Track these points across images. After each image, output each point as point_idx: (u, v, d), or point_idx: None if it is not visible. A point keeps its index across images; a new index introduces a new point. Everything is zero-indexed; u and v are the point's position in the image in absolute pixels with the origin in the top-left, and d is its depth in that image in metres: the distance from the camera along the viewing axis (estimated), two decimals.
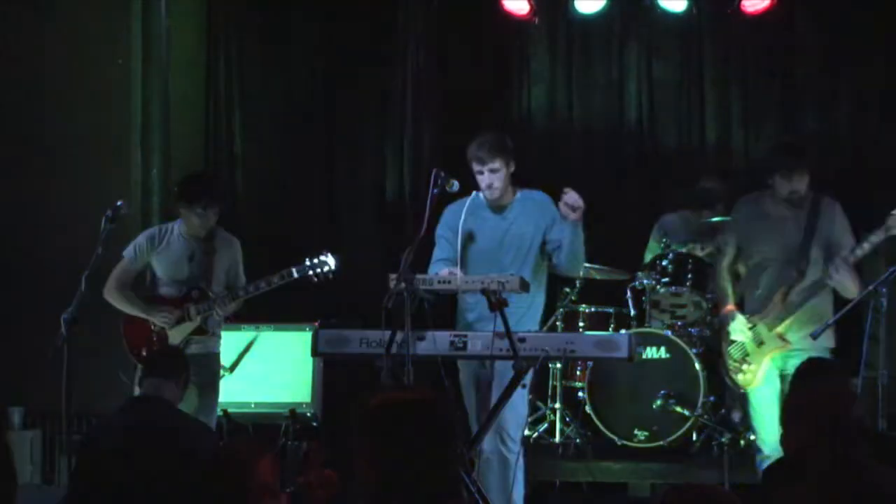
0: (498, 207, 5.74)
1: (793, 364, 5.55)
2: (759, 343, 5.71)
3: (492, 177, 5.63)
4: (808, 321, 5.63)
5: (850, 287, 5.57)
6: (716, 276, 6.12)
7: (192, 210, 5.99)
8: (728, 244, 6.00)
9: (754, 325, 5.74)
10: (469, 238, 5.73)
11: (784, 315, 5.64)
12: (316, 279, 6.12)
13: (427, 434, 2.89)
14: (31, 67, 7.38)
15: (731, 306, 5.88)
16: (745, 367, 5.74)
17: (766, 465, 5.61)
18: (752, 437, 6.12)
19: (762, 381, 5.72)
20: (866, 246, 5.56)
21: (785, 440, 3.68)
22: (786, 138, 8.00)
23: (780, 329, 5.66)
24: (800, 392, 3.73)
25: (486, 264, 5.64)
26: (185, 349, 5.97)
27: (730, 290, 5.94)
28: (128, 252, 6.13)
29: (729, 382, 5.89)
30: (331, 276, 6.13)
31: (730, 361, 5.82)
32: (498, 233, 5.71)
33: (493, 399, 5.50)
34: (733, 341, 5.80)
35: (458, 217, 5.74)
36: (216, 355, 6.18)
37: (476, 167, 5.64)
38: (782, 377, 5.70)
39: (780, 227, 5.76)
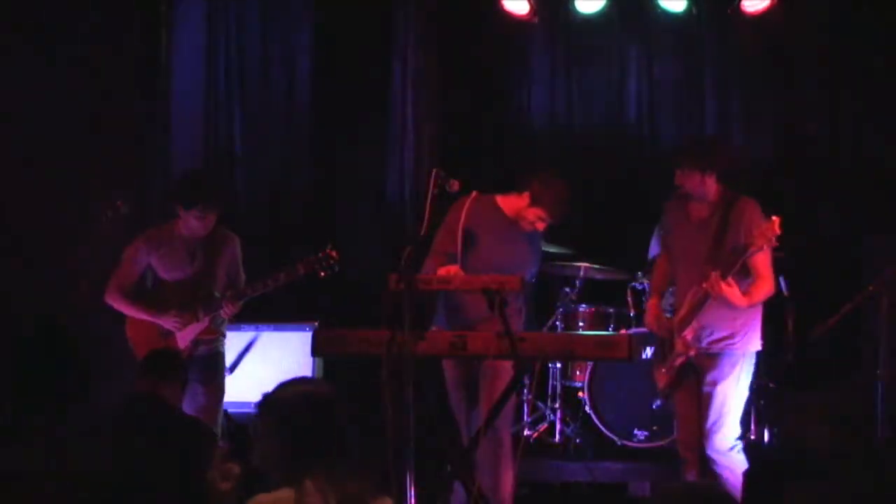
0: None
1: (703, 365, 5.48)
2: (671, 347, 5.55)
3: (541, 224, 5.71)
4: (720, 326, 5.46)
5: (734, 300, 5.33)
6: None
7: (190, 213, 5.95)
8: (657, 244, 5.91)
9: (671, 328, 5.58)
10: (476, 237, 5.74)
11: (689, 320, 5.45)
12: (322, 273, 6.10)
13: (324, 423, 3.31)
14: (32, 67, 7.37)
15: (649, 302, 5.79)
16: (663, 370, 5.62)
17: (685, 475, 5.59)
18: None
19: (674, 385, 5.59)
20: (737, 260, 5.30)
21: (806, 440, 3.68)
22: (694, 135, 7.94)
23: (685, 333, 5.48)
24: (827, 394, 3.72)
25: (492, 264, 5.65)
26: (195, 351, 5.96)
27: (654, 288, 5.86)
28: (128, 255, 6.06)
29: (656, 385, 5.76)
30: (336, 269, 6.10)
31: (655, 364, 5.72)
32: (509, 236, 5.75)
33: (482, 387, 5.54)
34: (659, 343, 5.69)
35: (462, 212, 5.76)
36: (222, 355, 6.17)
37: (540, 214, 5.68)
38: (698, 381, 5.53)
39: (695, 227, 5.58)
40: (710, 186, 5.50)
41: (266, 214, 8.36)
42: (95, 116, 7.36)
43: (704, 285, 5.35)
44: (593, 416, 7.19)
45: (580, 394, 7.27)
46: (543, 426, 7.42)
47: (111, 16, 7.46)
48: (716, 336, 5.49)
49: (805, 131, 7.15)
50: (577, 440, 7.25)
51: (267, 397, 3.46)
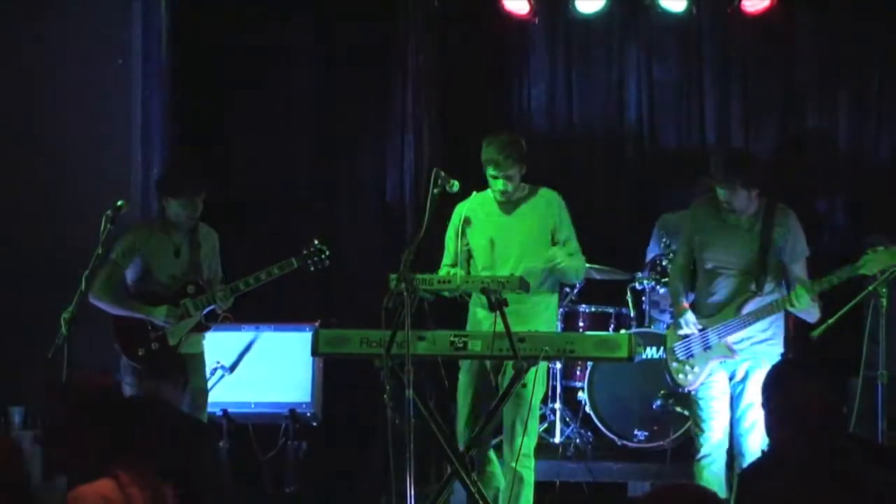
0: (507, 203, 5.79)
1: (742, 369, 5.66)
2: (706, 347, 5.69)
3: (506, 183, 5.71)
4: (755, 331, 5.65)
5: (812, 314, 5.56)
6: (670, 277, 6.07)
7: (178, 201, 5.92)
8: (681, 248, 5.97)
9: (704, 329, 5.71)
10: (475, 234, 5.76)
11: (739, 327, 5.63)
12: (313, 268, 6.10)
13: (127, 415, 3.50)
14: (32, 67, 7.37)
15: (685, 304, 5.84)
16: (688, 368, 5.73)
17: (704, 462, 5.71)
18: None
19: (704, 383, 5.71)
20: (834, 279, 5.50)
21: (772, 440, 3.73)
22: (729, 150, 7.93)
23: (731, 339, 5.64)
24: (785, 394, 3.77)
25: (491, 259, 5.67)
26: (181, 348, 5.93)
27: (682, 290, 5.92)
28: (115, 253, 5.97)
29: (669, 380, 5.87)
30: (327, 263, 6.12)
31: (672, 360, 5.81)
32: (504, 229, 5.78)
33: (508, 411, 5.56)
34: (681, 339, 5.77)
35: (460, 217, 5.80)
36: (203, 356, 6.12)
37: (491, 171, 5.67)
38: (734, 377, 5.71)
39: (735, 234, 5.70)
40: (755, 200, 5.66)
41: (266, 214, 8.34)
42: (96, 115, 7.36)
43: (785, 300, 5.51)
44: (593, 416, 7.19)
45: (580, 394, 7.27)
46: (543, 426, 7.41)
47: (113, 11, 7.46)
48: (755, 338, 5.64)
49: None
50: (577, 440, 7.25)
51: (70, 393, 3.56)
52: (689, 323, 5.75)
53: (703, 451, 5.74)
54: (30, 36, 7.40)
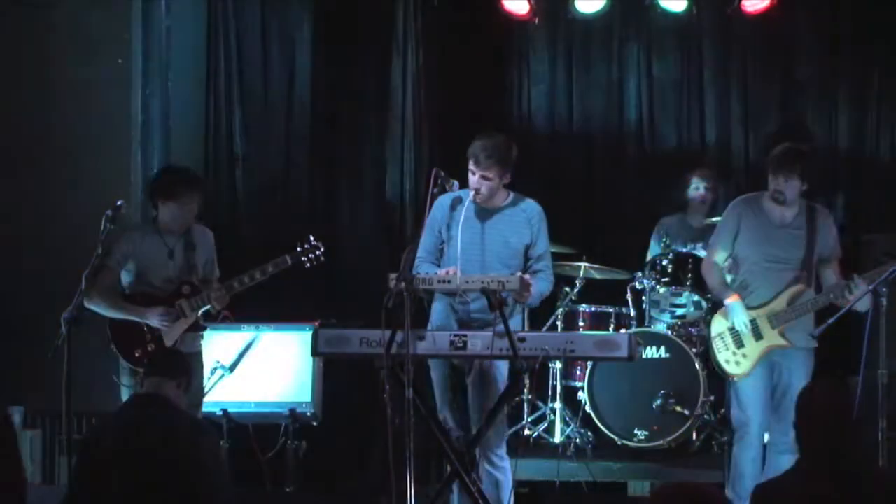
0: (485, 209, 5.72)
1: (788, 360, 5.86)
2: (758, 337, 5.87)
3: (481, 182, 5.60)
4: (799, 323, 5.86)
5: (865, 302, 5.76)
6: (709, 270, 6.16)
7: (173, 203, 5.91)
8: (722, 241, 6.08)
9: (754, 319, 5.88)
10: (452, 234, 5.68)
11: (791, 317, 5.83)
12: (308, 264, 6.09)
13: None
14: (32, 67, 7.38)
15: (736, 295, 5.97)
16: (738, 357, 5.90)
17: (742, 447, 5.90)
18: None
19: (755, 372, 5.89)
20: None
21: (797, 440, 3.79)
22: (789, 143, 7.97)
23: (783, 328, 5.83)
24: (802, 394, 3.82)
25: (465, 263, 5.59)
26: (178, 348, 5.92)
27: (726, 282, 6.09)
28: (110, 256, 5.91)
29: (717, 369, 6.04)
30: (323, 259, 6.12)
31: (720, 348, 5.97)
32: (479, 235, 5.68)
33: (473, 395, 5.54)
34: (731, 329, 5.93)
35: (444, 210, 5.72)
36: (200, 356, 6.12)
37: (471, 165, 5.61)
38: (777, 372, 5.91)
39: (784, 231, 5.91)
40: (800, 193, 5.89)
41: (266, 214, 8.34)
42: (96, 115, 7.36)
43: (850, 295, 5.71)
44: (593, 416, 7.19)
45: (580, 394, 7.27)
46: (543, 426, 7.42)
47: (113, 11, 7.47)
48: (798, 332, 5.85)
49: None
50: (577, 440, 7.25)
51: None
52: (742, 312, 5.89)
53: (743, 437, 5.90)
54: (30, 36, 7.41)
